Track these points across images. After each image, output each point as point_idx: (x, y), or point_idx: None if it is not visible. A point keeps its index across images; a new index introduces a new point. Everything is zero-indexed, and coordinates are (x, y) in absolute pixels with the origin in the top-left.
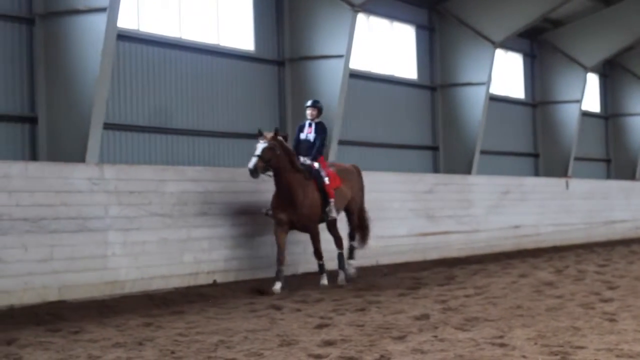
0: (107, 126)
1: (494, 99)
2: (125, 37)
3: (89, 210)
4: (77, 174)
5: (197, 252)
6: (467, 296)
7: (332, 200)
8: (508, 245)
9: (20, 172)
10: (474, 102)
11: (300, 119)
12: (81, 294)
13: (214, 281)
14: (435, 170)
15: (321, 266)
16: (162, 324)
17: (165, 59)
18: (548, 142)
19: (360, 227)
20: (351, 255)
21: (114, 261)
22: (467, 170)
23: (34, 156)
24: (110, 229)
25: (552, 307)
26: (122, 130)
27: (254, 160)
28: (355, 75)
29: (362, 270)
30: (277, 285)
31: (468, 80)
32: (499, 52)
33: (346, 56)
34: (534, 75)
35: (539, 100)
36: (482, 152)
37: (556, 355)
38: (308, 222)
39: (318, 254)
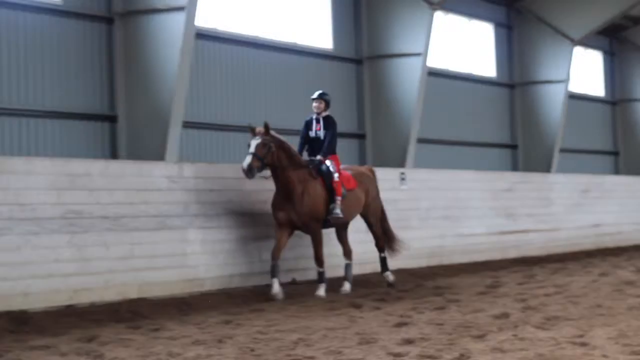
0: (186, 124)
1: (573, 96)
2: (204, 35)
3: (169, 208)
4: (157, 172)
5: None
6: (546, 295)
7: (338, 197)
8: (588, 244)
9: (101, 170)
10: (553, 100)
11: (379, 118)
12: (161, 292)
13: (293, 279)
14: (514, 168)
15: (321, 274)
16: (242, 322)
17: (243, 57)
18: (629, 140)
19: (385, 234)
20: (385, 268)
21: (194, 259)
22: (546, 169)
23: (114, 155)
24: (190, 227)
25: (634, 307)
26: (200, 129)
27: (248, 158)
28: (433, 74)
29: (434, 268)
30: (275, 285)
31: (547, 78)
32: (578, 50)
33: (424, 54)
34: (614, 73)
35: (619, 98)
36: (562, 151)
37: (637, 355)
38: (309, 221)
39: (318, 259)
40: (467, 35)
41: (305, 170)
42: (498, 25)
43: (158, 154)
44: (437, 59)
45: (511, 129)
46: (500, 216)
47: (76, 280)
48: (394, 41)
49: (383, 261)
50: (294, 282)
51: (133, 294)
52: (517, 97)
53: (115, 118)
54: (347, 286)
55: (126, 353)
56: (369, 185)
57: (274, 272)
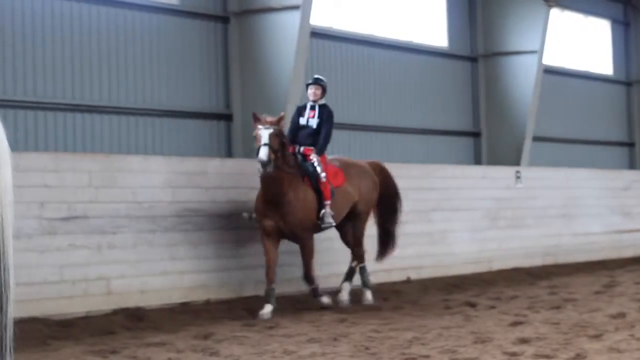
0: None
1: None
2: (319, 34)
3: None
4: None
5: None
6: None
7: (327, 202)
8: None
9: (217, 168)
10: None
11: (494, 116)
12: (276, 290)
13: (408, 278)
14: (631, 167)
15: (315, 290)
16: (357, 320)
17: (358, 56)
18: None
19: (384, 237)
20: (349, 278)
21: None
22: None
23: (229, 153)
24: None
25: None
26: None
27: (265, 150)
28: (549, 71)
29: (549, 267)
30: (267, 309)
31: None
32: None
33: (540, 52)
34: None
35: None
36: None
37: None
38: (299, 231)
39: (308, 276)
40: (584, 33)
41: (296, 170)
42: (615, 22)
43: None
44: (553, 57)
45: (628, 127)
46: (617, 215)
47: (191, 278)
48: (510, 39)
49: (350, 272)
50: (408, 281)
51: (248, 292)
52: (634, 95)
53: (231, 117)
54: (368, 295)
55: (241, 350)
56: (361, 180)
57: (267, 297)
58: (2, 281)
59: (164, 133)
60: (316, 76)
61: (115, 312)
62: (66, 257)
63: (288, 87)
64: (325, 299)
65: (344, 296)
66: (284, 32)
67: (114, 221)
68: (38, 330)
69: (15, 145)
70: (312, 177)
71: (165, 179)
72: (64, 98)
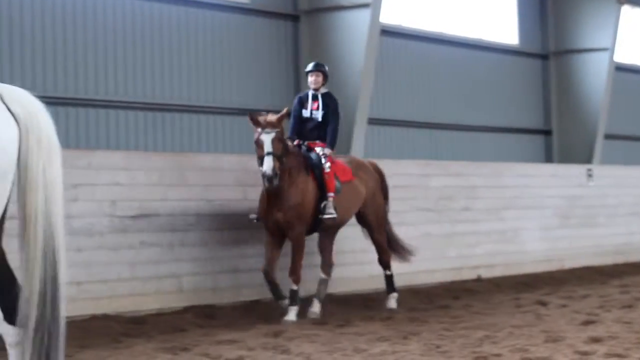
0: (371, 121)
1: None
2: (389, 32)
3: None
4: None
5: (462, 247)
6: None
7: (330, 194)
8: None
9: None
10: None
11: (565, 114)
12: (347, 287)
13: (478, 276)
14: None
15: (294, 294)
16: (427, 319)
17: (428, 54)
18: None
19: (390, 244)
20: (391, 288)
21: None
22: None
23: None
24: None
25: None
26: (385, 125)
27: (269, 162)
28: (621, 69)
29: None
30: (291, 312)
31: None
32: None
33: (611, 49)
34: None
35: None
36: None
37: None
38: (294, 221)
39: (295, 273)
40: None
41: (299, 162)
42: None
43: (344, 151)
44: (624, 54)
45: None
46: None
47: (262, 275)
48: (581, 36)
49: (389, 280)
50: (479, 279)
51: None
52: None
53: None
54: (316, 307)
55: (312, 348)
56: (369, 179)
57: (276, 293)
58: (54, 277)
59: (234, 131)
60: (315, 62)
61: (187, 310)
62: (138, 255)
63: (358, 85)
64: (293, 315)
65: (392, 304)
66: (354, 31)
67: (185, 219)
68: (110, 327)
69: (87, 143)
70: (316, 168)
71: (235, 177)
72: (135, 97)
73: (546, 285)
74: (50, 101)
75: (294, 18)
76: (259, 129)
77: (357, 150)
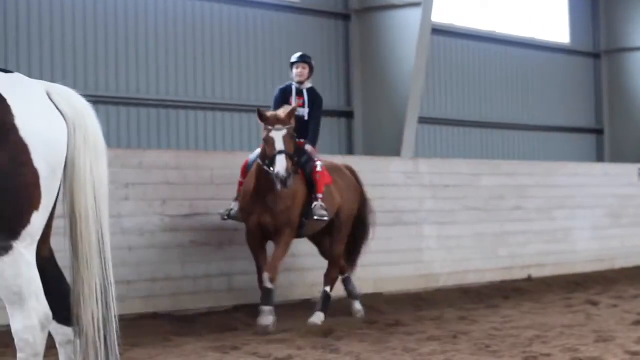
0: (422, 120)
1: None
2: (440, 31)
3: (404, 204)
4: (393, 168)
5: (512, 247)
6: None
7: (319, 195)
8: None
9: None
10: None
11: (617, 113)
12: (396, 287)
13: (529, 276)
14: None
15: (269, 293)
16: (477, 318)
17: (479, 52)
18: None
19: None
20: (324, 306)
21: (429, 254)
22: None
23: (350, 150)
24: (426, 223)
25: None
26: (436, 124)
27: (283, 161)
28: None
29: None
30: (267, 316)
31: None
32: None
33: None
34: None
35: None
36: None
37: None
38: (283, 224)
39: (274, 269)
40: None
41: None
42: None
43: (394, 150)
44: None
45: None
46: None
47: (312, 274)
48: (633, 35)
49: (325, 299)
50: (529, 279)
51: (369, 289)
52: None
53: (352, 114)
54: (357, 306)
55: (361, 347)
56: (344, 184)
57: (267, 300)
58: (104, 276)
59: None
60: (301, 53)
61: (237, 309)
62: (188, 254)
63: (409, 84)
64: (267, 319)
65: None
66: (405, 29)
67: None
68: (160, 326)
69: (138, 142)
70: (305, 167)
71: None
72: (186, 96)
73: (597, 285)
74: (101, 100)
75: (345, 17)
76: (269, 127)
77: (408, 150)
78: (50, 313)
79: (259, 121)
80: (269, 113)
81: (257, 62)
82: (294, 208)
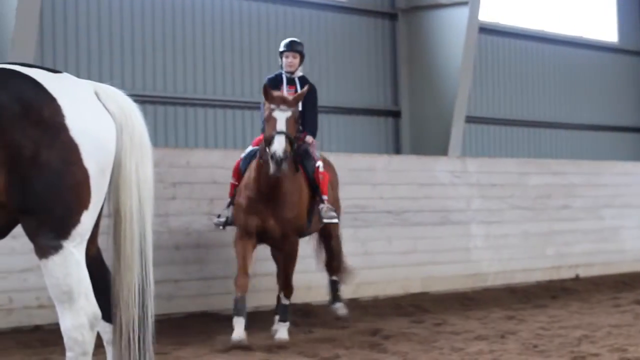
0: (469, 119)
1: None
2: (487, 30)
3: (452, 203)
4: (440, 167)
5: (560, 246)
6: None
7: (325, 197)
8: None
9: (384, 165)
10: None
11: None
12: (443, 286)
13: (577, 275)
14: None
15: (286, 309)
16: (524, 318)
17: (526, 51)
18: None
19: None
20: (336, 296)
21: (476, 254)
22: None
23: (397, 149)
24: (473, 222)
25: None
26: (484, 123)
27: (282, 141)
28: None
29: None
30: (238, 330)
31: None
32: None
33: None
34: None
35: None
36: None
37: None
38: (291, 231)
39: (288, 287)
40: None
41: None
42: None
43: (441, 149)
44: None
45: None
46: None
47: (359, 274)
48: None
49: (333, 286)
50: (577, 278)
51: (416, 288)
52: None
53: (399, 113)
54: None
55: (409, 347)
56: (333, 179)
57: (238, 310)
58: (144, 276)
59: (331, 129)
60: (291, 39)
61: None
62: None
63: (456, 83)
64: (283, 333)
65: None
66: (452, 28)
67: None
68: (207, 325)
69: (186, 142)
70: (308, 167)
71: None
72: (233, 95)
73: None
74: (149, 100)
75: (392, 16)
76: (272, 105)
77: (455, 149)
78: (99, 312)
79: (264, 98)
80: (276, 92)
81: (305, 61)
82: (302, 214)
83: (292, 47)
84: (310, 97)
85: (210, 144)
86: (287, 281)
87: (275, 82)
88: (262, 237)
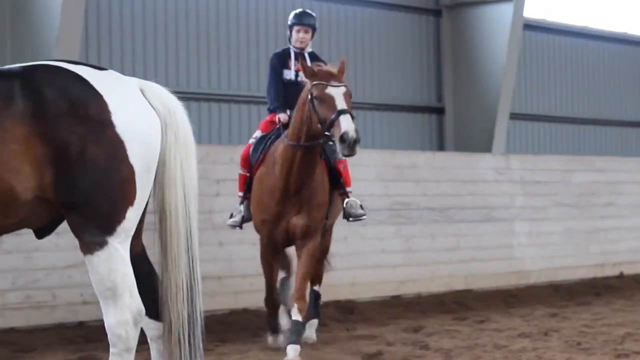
0: (513, 116)
1: None
2: (532, 26)
3: (495, 200)
4: (484, 164)
5: (604, 243)
6: None
7: (349, 189)
8: None
9: (427, 161)
10: None
11: None
12: (487, 283)
13: (621, 273)
14: None
15: (299, 327)
16: (568, 315)
17: (572, 48)
18: None
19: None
20: (316, 313)
21: (520, 251)
22: None
23: (440, 146)
24: (516, 219)
25: None
26: (528, 120)
27: (349, 120)
28: None
29: None
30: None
31: None
32: None
33: None
34: None
35: None
36: None
37: None
38: (317, 225)
39: (303, 296)
40: None
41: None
42: None
43: (485, 146)
44: None
45: None
46: None
47: (402, 271)
48: None
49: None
50: (621, 276)
51: (459, 286)
52: None
53: (443, 110)
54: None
55: (451, 344)
56: None
57: (273, 327)
58: (192, 274)
59: (375, 126)
60: (303, 10)
61: (326, 305)
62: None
63: (500, 80)
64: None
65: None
66: (496, 25)
67: None
68: (250, 322)
69: (229, 138)
70: (329, 153)
71: (377, 172)
72: None
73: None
74: (193, 97)
75: (436, 13)
76: (321, 82)
77: (499, 146)
78: (143, 308)
79: (305, 77)
80: (317, 67)
81: (349, 59)
82: (325, 198)
83: (303, 19)
84: None
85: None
86: (303, 289)
87: (282, 58)
88: (287, 242)
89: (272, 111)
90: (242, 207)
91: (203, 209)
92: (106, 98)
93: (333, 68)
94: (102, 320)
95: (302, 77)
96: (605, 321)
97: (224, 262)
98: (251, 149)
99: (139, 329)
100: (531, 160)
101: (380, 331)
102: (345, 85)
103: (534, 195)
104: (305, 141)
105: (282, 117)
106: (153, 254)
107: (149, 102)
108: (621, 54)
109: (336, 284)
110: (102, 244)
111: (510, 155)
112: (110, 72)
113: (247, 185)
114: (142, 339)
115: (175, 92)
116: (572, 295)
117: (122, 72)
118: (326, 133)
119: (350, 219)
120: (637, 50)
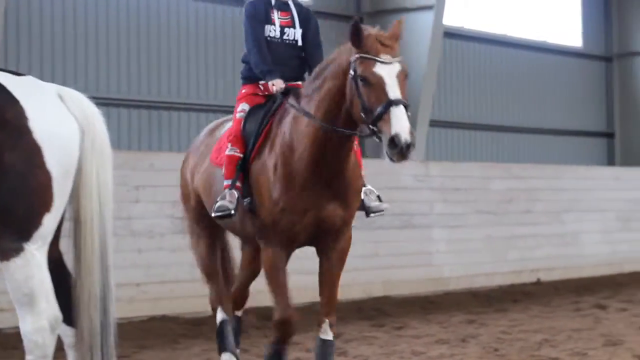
0: (433, 123)
1: None
2: (452, 34)
3: (414, 206)
4: (403, 171)
5: (522, 250)
6: None
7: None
8: None
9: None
10: None
11: (628, 117)
12: (405, 290)
13: (538, 279)
14: None
15: (331, 348)
16: (486, 321)
17: (490, 56)
18: None
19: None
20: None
21: (439, 258)
22: None
23: (363, 153)
24: (435, 226)
25: None
26: (447, 127)
27: (403, 114)
28: None
29: None
30: None
31: None
32: None
33: None
34: None
35: None
36: None
37: None
38: (351, 217)
39: (334, 307)
40: None
41: None
42: None
43: None
44: None
45: None
46: None
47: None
48: None
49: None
50: (538, 282)
51: (377, 292)
52: None
53: None
54: None
55: (370, 351)
56: None
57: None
58: (105, 282)
59: None
60: None
61: (245, 311)
62: None
63: (420, 87)
64: None
65: None
66: (417, 32)
67: None
68: (169, 329)
69: (149, 145)
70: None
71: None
72: (198, 99)
73: (606, 289)
74: (113, 103)
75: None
76: (368, 55)
77: (419, 153)
78: (60, 315)
79: (350, 43)
80: (366, 31)
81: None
82: (359, 185)
83: None
84: (311, 28)
85: (175, 147)
86: (335, 300)
87: (262, 7)
88: (307, 237)
89: (258, 78)
90: (232, 197)
91: (122, 215)
92: (24, 104)
93: (387, 34)
94: (18, 328)
95: (289, 33)
96: (523, 327)
97: (142, 268)
98: (245, 123)
99: (56, 336)
100: (450, 167)
101: (299, 338)
102: (399, 61)
103: (453, 202)
104: (342, 126)
105: (278, 83)
106: (70, 260)
107: (67, 109)
108: (540, 62)
109: (260, 290)
110: (18, 250)
111: (430, 162)
112: (29, 77)
113: (239, 168)
114: (59, 346)
115: (95, 98)
116: (490, 302)
117: (42, 77)
118: (371, 127)
119: (372, 215)
120: (555, 58)
